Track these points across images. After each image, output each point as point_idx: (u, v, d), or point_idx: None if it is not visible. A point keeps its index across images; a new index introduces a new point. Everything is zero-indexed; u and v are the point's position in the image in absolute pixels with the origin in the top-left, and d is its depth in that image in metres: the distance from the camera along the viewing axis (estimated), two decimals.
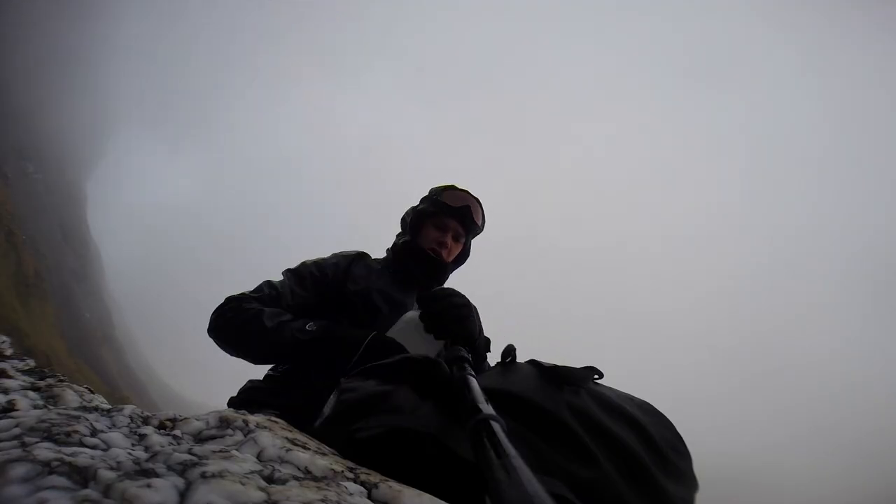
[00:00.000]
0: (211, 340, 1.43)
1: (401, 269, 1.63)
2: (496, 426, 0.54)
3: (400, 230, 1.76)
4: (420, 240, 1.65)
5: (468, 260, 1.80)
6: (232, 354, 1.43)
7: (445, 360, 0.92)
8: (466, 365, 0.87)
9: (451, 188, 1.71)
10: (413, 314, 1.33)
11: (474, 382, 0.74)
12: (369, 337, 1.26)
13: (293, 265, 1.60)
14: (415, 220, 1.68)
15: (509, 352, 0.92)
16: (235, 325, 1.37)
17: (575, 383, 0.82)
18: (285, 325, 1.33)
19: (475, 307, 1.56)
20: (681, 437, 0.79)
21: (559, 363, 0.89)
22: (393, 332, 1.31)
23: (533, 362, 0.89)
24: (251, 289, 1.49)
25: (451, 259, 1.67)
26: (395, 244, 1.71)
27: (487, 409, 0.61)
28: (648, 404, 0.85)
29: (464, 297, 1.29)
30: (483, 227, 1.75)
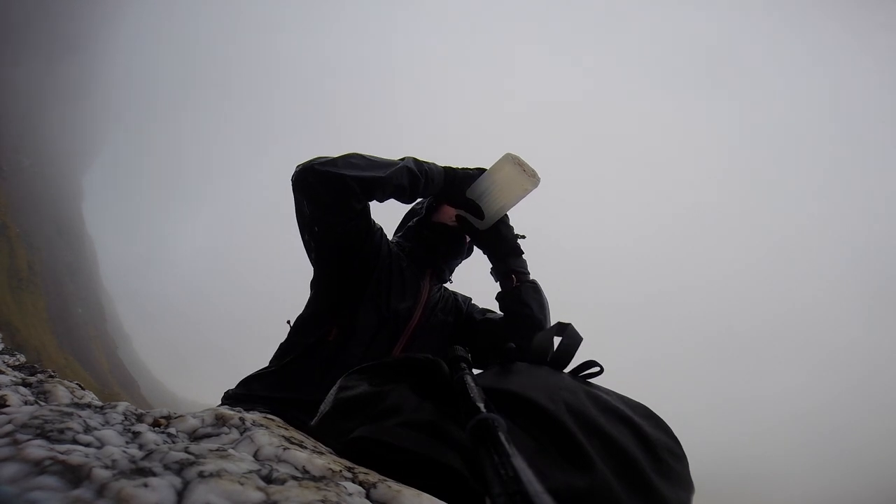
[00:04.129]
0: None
1: (419, 246, 1.60)
2: (496, 426, 0.54)
3: (401, 223, 1.74)
4: (437, 217, 1.64)
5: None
6: (327, 197, 1.31)
7: (445, 359, 0.92)
8: (465, 365, 0.87)
9: None
10: None
11: (474, 382, 0.74)
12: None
13: None
14: (430, 201, 1.68)
15: (510, 352, 0.92)
16: (336, 161, 1.30)
17: (569, 365, 0.83)
18: (382, 158, 1.38)
19: None
20: (676, 439, 0.79)
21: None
22: None
23: (532, 360, 0.89)
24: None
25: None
26: (407, 227, 1.68)
27: (487, 409, 0.61)
28: (645, 406, 0.85)
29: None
30: None
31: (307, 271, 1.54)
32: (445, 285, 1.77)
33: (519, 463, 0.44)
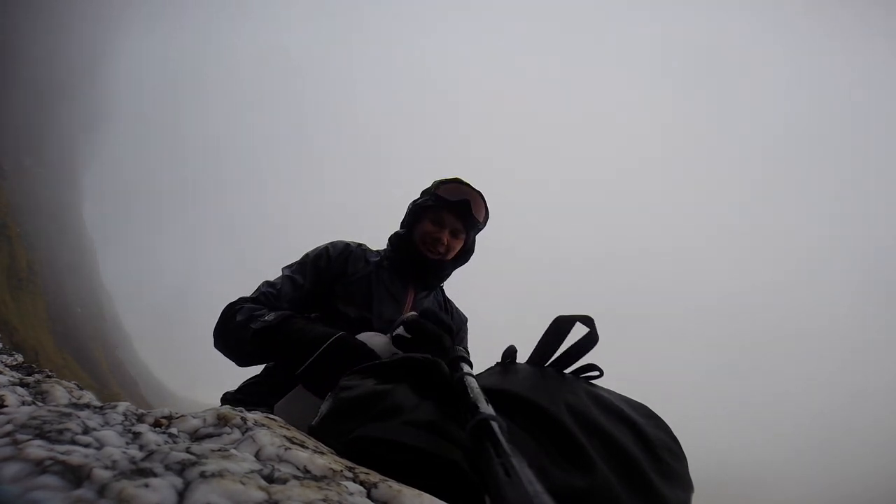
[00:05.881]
0: (205, 338, 1.42)
1: (396, 262, 1.60)
2: (495, 426, 0.54)
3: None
4: (415, 234, 1.59)
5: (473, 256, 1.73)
6: (234, 362, 1.39)
7: (445, 359, 0.92)
8: (465, 365, 0.87)
9: (452, 181, 1.63)
10: (383, 339, 1.21)
11: (474, 382, 0.74)
12: (334, 337, 1.15)
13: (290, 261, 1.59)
14: (413, 214, 1.63)
15: (510, 353, 0.92)
16: (218, 327, 1.36)
17: (572, 368, 0.83)
18: (254, 318, 1.27)
19: (458, 327, 1.60)
20: (676, 439, 0.79)
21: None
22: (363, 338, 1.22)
23: (532, 362, 0.89)
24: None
25: (450, 256, 1.62)
26: (391, 236, 1.67)
27: (487, 409, 0.61)
28: (645, 406, 0.85)
29: (441, 336, 1.18)
30: (485, 222, 1.66)
31: None
32: (443, 288, 1.77)
33: (519, 462, 0.44)
